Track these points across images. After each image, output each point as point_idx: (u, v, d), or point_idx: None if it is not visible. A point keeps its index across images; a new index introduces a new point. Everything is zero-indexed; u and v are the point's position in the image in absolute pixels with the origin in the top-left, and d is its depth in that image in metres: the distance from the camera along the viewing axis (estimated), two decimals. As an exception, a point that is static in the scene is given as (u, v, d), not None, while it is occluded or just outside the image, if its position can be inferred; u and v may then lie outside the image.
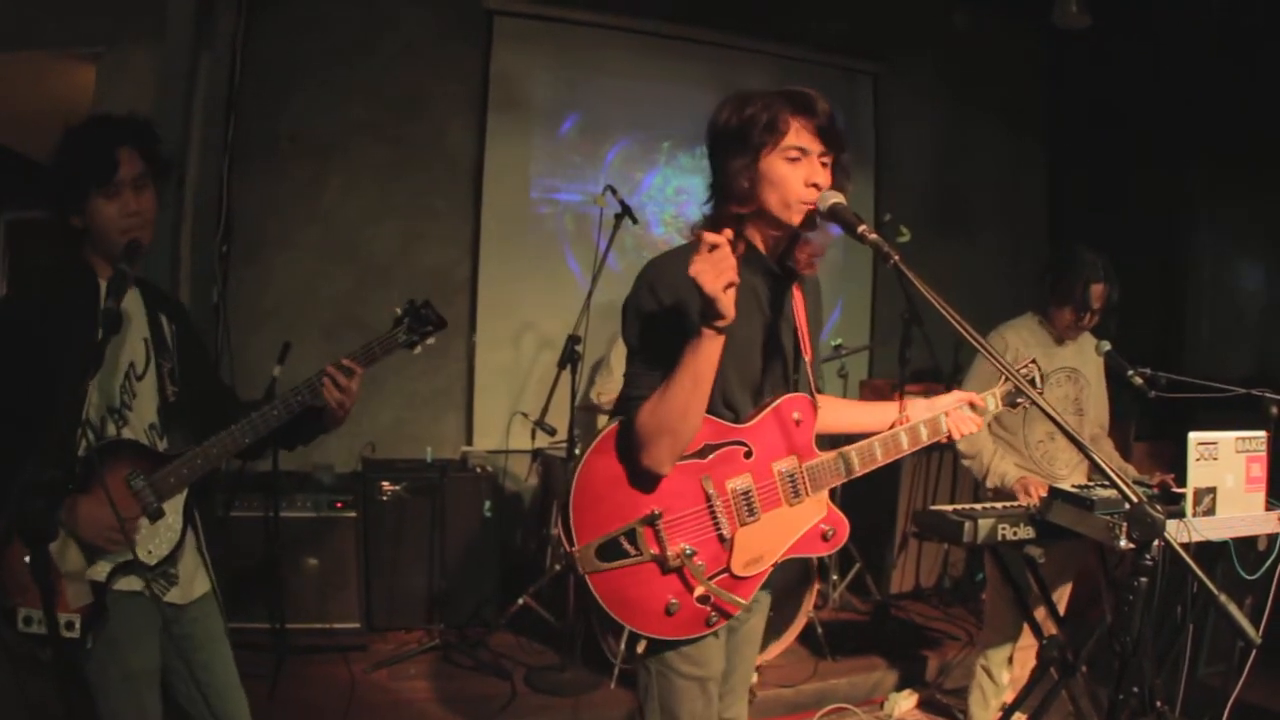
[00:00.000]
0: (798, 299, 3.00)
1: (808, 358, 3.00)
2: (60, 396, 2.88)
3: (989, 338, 4.90)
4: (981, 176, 9.21)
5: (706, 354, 2.50)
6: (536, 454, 6.97)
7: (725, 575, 2.76)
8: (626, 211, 6.25)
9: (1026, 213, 9.46)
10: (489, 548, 6.51)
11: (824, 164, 2.71)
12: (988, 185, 9.24)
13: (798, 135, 2.66)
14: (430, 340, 3.45)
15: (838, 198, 2.62)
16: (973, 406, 3.24)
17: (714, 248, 2.39)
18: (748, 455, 2.77)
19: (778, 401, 2.84)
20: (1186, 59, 7.78)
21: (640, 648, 2.82)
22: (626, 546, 2.66)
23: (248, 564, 5.63)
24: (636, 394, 2.63)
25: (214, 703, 3.25)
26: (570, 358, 5.88)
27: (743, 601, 2.79)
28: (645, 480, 2.68)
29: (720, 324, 2.46)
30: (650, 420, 2.58)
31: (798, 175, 2.67)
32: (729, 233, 2.44)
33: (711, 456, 2.75)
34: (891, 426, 3.11)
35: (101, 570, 2.92)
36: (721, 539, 2.74)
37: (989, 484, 4.77)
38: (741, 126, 2.69)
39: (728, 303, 2.42)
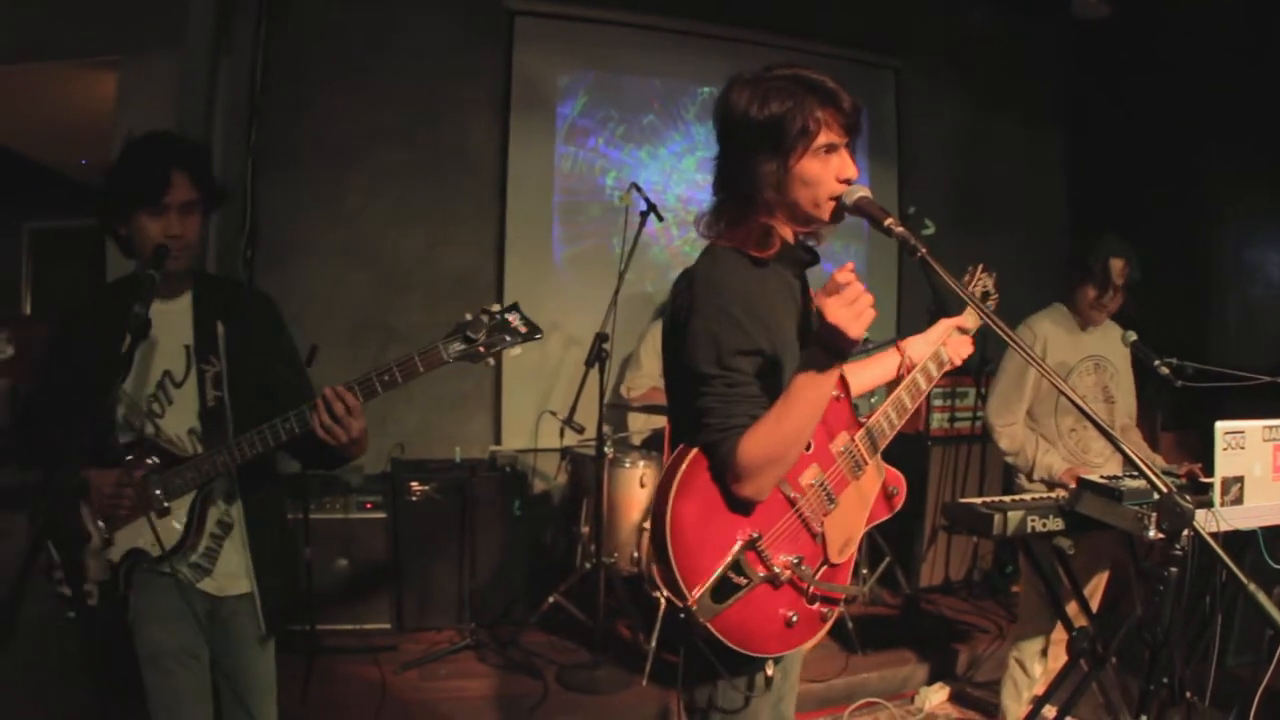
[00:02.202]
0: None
1: None
2: (89, 403, 2.97)
3: (1017, 330, 4.90)
4: (1002, 169, 9.18)
5: (829, 384, 2.45)
6: (565, 452, 6.97)
7: (825, 568, 2.72)
8: (652, 209, 6.26)
9: (1048, 205, 9.44)
10: (519, 547, 6.54)
11: (851, 152, 2.68)
12: (1009, 178, 9.21)
13: (828, 131, 2.60)
14: (514, 350, 3.08)
15: (864, 191, 2.59)
16: (961, 330, 3.27)
17: (845, 286, 2.34)
18: (808, 448, 2.67)
19: None
20: (1207, 46, 7.75)
21: (769, 670, 2.74)
22: (736, 579, 2.51)
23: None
24: (734, 424, 2.48)
25: (244, 707, 3.33)
26: (598, 355, 5.88)
27: (847, 588, 2.77)
28: (737, 508, 2.54)
29: (844, 352, 2.42)
30: (760, 451, 2.45)
31: (829, 172, 2.62)
32: (851, 265, 2.40)
33: None
34: (898, 374, 3.17)
35: (116, 553, 3.13)
36: (814, 536, 2.68)
37: (1035, 477, 4.77)
38: (768, 126, 2.59)
39: (860, 333, 2.37)
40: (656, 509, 2.50)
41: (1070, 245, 8.18)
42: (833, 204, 2.64)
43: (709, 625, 2.46)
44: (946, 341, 3.22)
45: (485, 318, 2.98)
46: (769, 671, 2.70)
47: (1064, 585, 4.49)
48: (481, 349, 2.99)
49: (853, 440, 2.80)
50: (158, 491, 3.09)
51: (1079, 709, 4.50)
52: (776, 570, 2.57)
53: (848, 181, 2.62)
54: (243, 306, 3.40)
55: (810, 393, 2.42)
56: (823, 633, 2.76)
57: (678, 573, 2.44)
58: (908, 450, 7.04)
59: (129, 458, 3.11)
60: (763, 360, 2.55)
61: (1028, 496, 4.38)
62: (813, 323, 2.49)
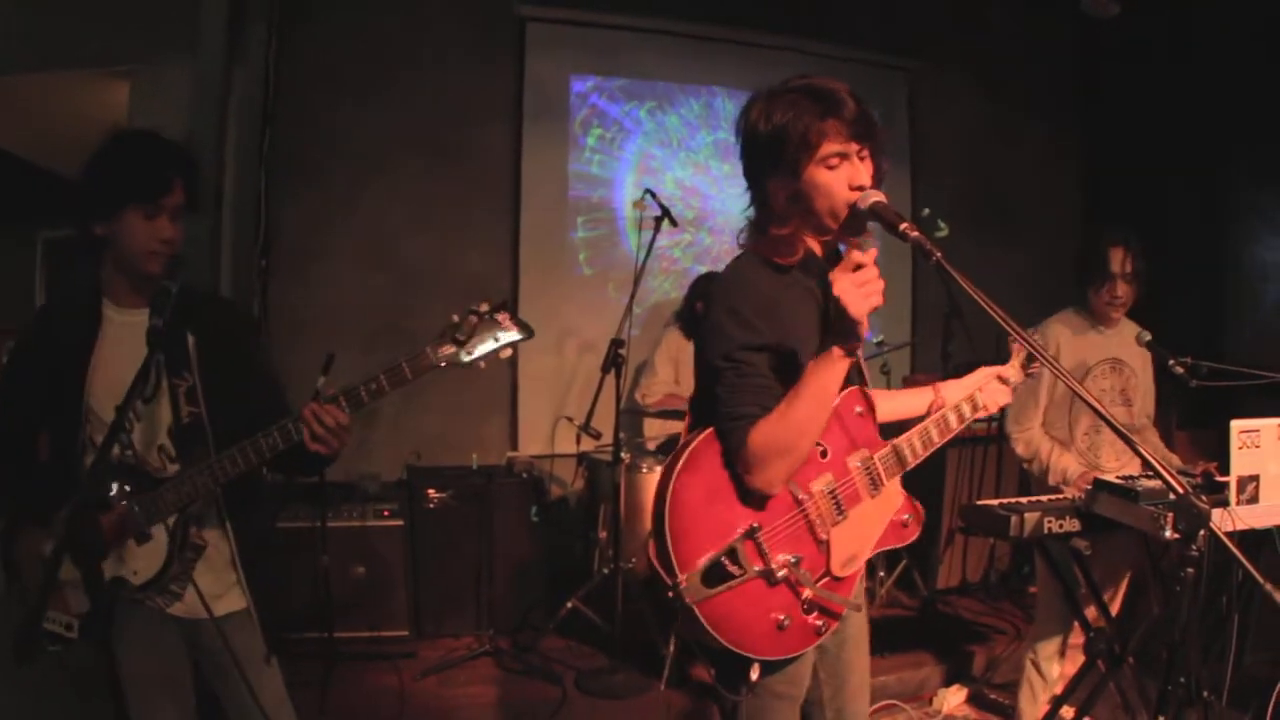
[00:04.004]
0: None
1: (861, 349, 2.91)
2: (49, 418, 2.96)
3: (1031, 333, 4.89)
4: (1017, 170, 9.15)
5: (837, 374, 2.51)
6: (582, 458, 6.97)
7: (827, 579, 2.72)
8: (666, 214, 6.27)
9: (1062, 206, 9.41)
10: (536, 552, 6.54)
11: (863, 158, 2.68)
12: (1023, 179, 9.18)
13: (833, 140, 2.62)
14: (503, 353, 2.91)
15: (878, 196, 2.60)
16: (1001, 379, 3.29)
17: (859, 266, 2.41)
18: (824, 455, 2.73)
19: (843, 396, 2.78)
20: (1220, 43, 7.74)
21: (755, 674, 2.75)
22: (730, 567, 2.55)
23: (296, 574, 5.68)
24: (742, 412, 2.56)
25: None
26: (614, 361, 5.88)
27: (848, 600, 2.75)
28: (744, 498, 2.60)
29: (857, 346, 2.49)
30: (768, 441, 2.52)
31: (840, 181, 2.64)
32: (874, 252, 2.45)
33: None
34: (929, 410, 3.15)
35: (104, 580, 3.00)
36: (818, 543, 2.69)
37: (1051, 481, 4.75)
38: (772, 140, 2.66)
39: (865, 323, 2.44)
40: (660, 483, 2.56)
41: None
42: (848, 212, 2.65)
43: (695, 608, 2.50)
44: (983, 388, 3.23)
45: (473, 318, 2.88)
46: (753, 675, 2.71)
47: (1081, 587, 4.49)
48: (470, 352, 2.88)
49: (872, 458, 2.82)
50: (139, 519, 2.97)
51: (1097, 710, 4.50)
52: (773, 567, 2.59)
53: (860, 188, 2.63)
54: (212, 315, 3.27)
55: (816, 381, 2.49)
56: (807, 652, 2.76)
57: (671, 549, 2.50)
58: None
59: (102, 484, 2.96)
60: (772, 356, 2.61)
61: (1044, 498, 4.37)
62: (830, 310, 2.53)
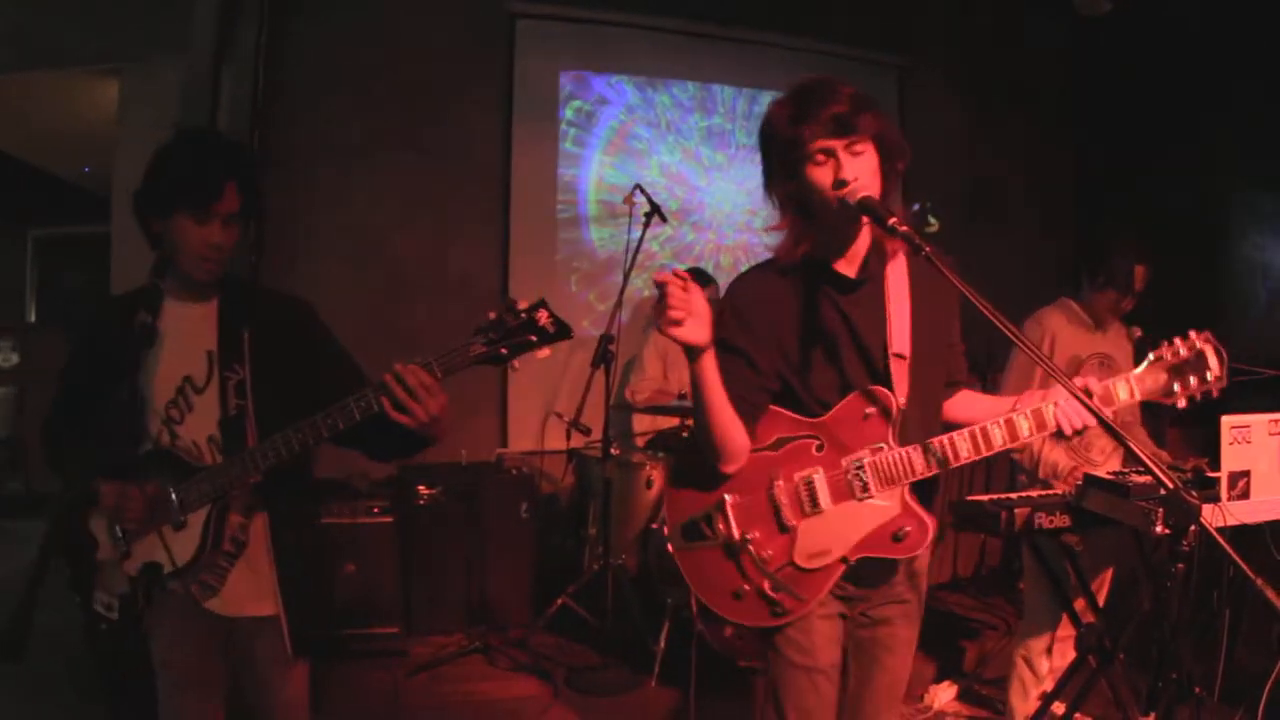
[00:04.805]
0: (897, 283, 2.89)
1: (894, 349, 2.84)
2: (99, 411, 2.96)
3: (1025, 325, 4.90)
4: (1008, 165, 9.15)
5: (698, 374, 2.64)
6: (572, 454, 6.97)
7: (789, 568, 2.82)
8: (655, 210, 6.27)
9: (1053, 200, 9.41)
10: (526, 549, 6.55)
11: (856, 152, 2.67)
12: (1014, 174, 9.18)
13: (815, 139, 2.65)
14: (542, 352, 2.76)
15: (867, 191, 2.62)
16: (1088, 393, 2.77)
17: (664, 292, 2.51)
18: (820, 449, 2.82)
19: (849, 396, 2.82)
20: (1209, 37, 7.75)
21: (727, 631, 3.01)
22: (705, 529, 2.90)
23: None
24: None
25: None
26: (604, 357, 5.89)
27: (802, 598, 2.81)
28: (721, 472, 2.87)
29: (693, 351, 2.59)
30: (696, 429, 2.81)
31: (826, 178, 2.66)
32: (679, 270, 2.55)
33: (784, 449, 2.85)
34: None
35: (134, 565, 3.02)
36: (783, 528, 2.81)
37: (1040, 474, 4.75)
38: (767, 144, 2.80)
39: (693, 335, 2.54)
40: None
41: (1079, 242, 8.22)
42: (837, 206, 2.66)
43: (675, 555, 2.96)
44: (1058, 402, 2.81)
45: (509, 317, 2.72)
46: (727, 632, 2.96)
47: (1070, 582, 4.49)
48: (504, 350, 2.72)
49: (863, 462, 2.81)
50: (175, 502, 2.99)
51: (1087, 705, 4.50)
52: (735, 540, 2.82)
53: (844, 183, 2.63)
54: (272, 313, 3.30)
55: (694, 384, 2.68)
56: (812, 620, 2.87)
57: (665, 502, 3.03)
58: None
59: (150, 471, 3.01)
60: (739, 357, 2.79)
61: (1034, 493, 4.37)
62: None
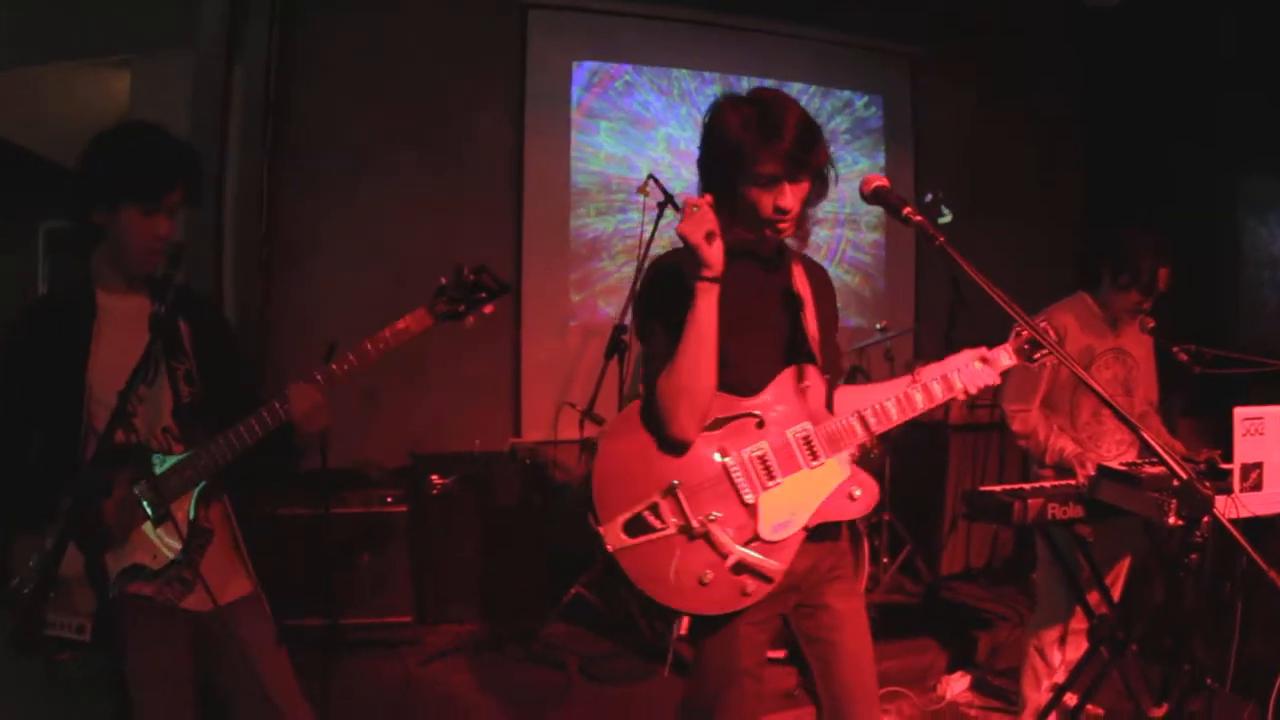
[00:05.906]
0: (800, 276, 3.11)
1: (812, 331, 3.05)
2: (47, 410, 2.97)
3: (1038, 318, 4.88)
4: (1018, 156, 9.12)
5: (704, 307, 2.69)
6: (585, 444, 6.97)
7: (756, 542, 2.84)
8: (669, 200, 6.27)
9: (1064, 192, 9.39)
10: (539, 538, 6.55)
11: (799, 182, 2.79)
12: (1025, 165, 9.16)
13: (766, 163, 2.73)
14: (488, 309, 3.35)
15: (881, 180, 2.64)
16: (984, 360, 3.18)
17: (696, 209, 2.62)
18: (760, 425, 2.89)
19: (782, 372, 2.94)
20: (1218, 27, 7.72)
21: (683, 627, 2.94)
22: (652, 520, 2.80)
23: (299, 561, 5.67)
24: (651, 371, 2.82)
25: (277, 710, 3.25)
26: (617, 347, 5.89)
27: (779, 565, 2.84)
28: (667, 453, 2.83)
29: (708, 273, 2.65)
30: (666, 385, 2.76)
31: (767, 201, 2.77)
32: (709, 197, 2.66)
33: (724, 428, 2.88)
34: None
35: (114, 569, 2.96)
36: (745, 504, 2.83)
37: (1047, 460, 4.73)
38: (714, 146, 2.85)
39: (711, 253, 2.63)
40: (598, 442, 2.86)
41: (1091, 235, 8.19)
42: (772, 230, 2.85)
43: (614, 554, 2.82)
44: (961, 368, 3.12)
45: (464, 278, 3.34)
46: (682, 629, 2.91)
47: (1084, 572, 4.48)
48: (462, 307, 3.29)
49: (813, 430, 2.92)
50: (153, 500, 2.96)
51: (1100, 696, 4.50)
52: (693, 522, 2.79)
53: (784, 211, 2.79)
54: (197, 306, 3.32)
55: (691, 320, 2.72)
56: (738, 622, 2.92)
57: (595, 499, 2.83)
58: (927, 439, 7.10)
59: (107, 470, 2.93)
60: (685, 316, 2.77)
61: (1047, 484, 4.37)
62: None
